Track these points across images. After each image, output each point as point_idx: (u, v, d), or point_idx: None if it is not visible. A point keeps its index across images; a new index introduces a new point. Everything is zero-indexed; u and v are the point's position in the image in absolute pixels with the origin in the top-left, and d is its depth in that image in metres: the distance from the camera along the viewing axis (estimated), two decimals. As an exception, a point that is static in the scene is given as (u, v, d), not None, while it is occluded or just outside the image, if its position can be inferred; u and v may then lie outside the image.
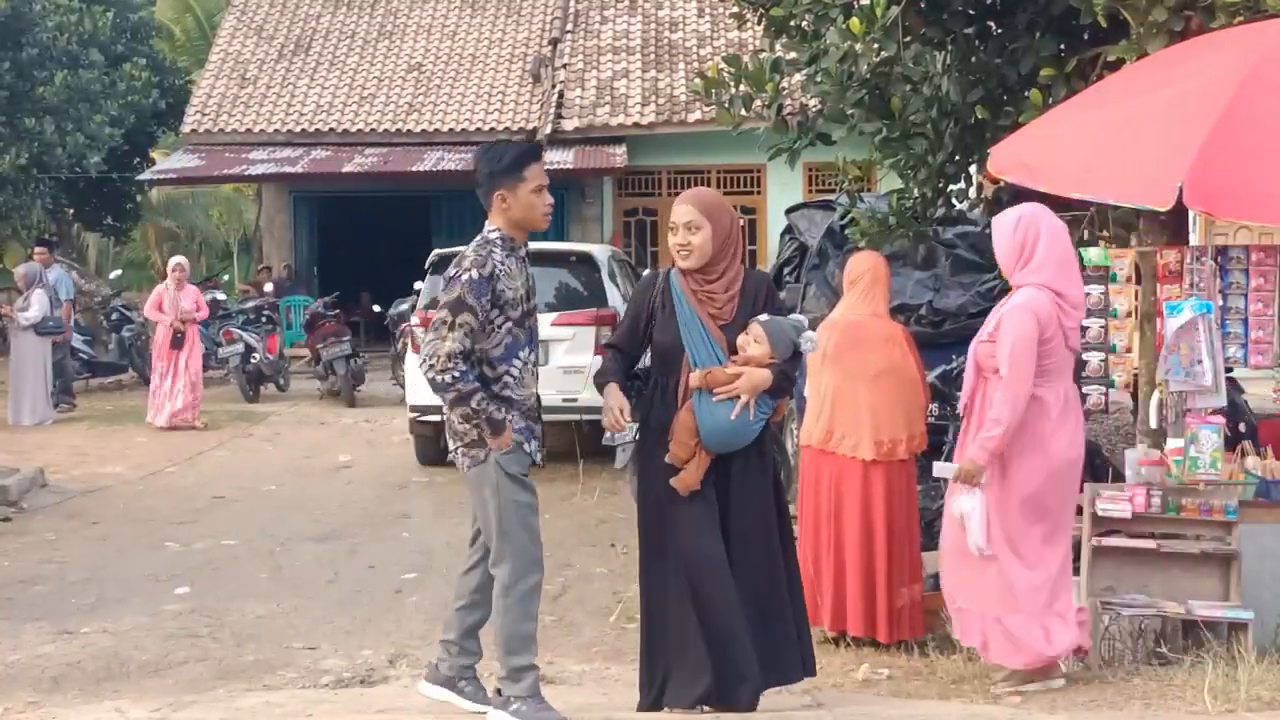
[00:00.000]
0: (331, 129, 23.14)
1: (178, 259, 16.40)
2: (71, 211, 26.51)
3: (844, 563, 6.61)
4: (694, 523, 4.90)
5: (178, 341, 15.04)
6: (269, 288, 21.77)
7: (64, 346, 16.71)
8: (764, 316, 5.03)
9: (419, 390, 12.01)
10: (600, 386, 5.04)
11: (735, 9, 8.54)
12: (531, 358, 4.82)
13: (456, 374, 4.56)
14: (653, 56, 23.85)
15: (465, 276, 4.64)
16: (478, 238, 4.83)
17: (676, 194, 5.22)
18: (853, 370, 6.66)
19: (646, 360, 5.20)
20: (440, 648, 4.99)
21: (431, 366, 4.60)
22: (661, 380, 5.02)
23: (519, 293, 4.74)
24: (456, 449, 4.74)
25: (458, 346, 4.57)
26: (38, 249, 17.50)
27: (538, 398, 4.86)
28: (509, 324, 4.71)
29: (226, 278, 32.49)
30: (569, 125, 22.32)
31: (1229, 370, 6.33)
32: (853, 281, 6.92)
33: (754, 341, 4.95)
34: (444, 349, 4.57)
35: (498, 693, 4.83)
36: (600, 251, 12.92)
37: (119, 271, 26.71)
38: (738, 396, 4.87)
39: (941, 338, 10.62)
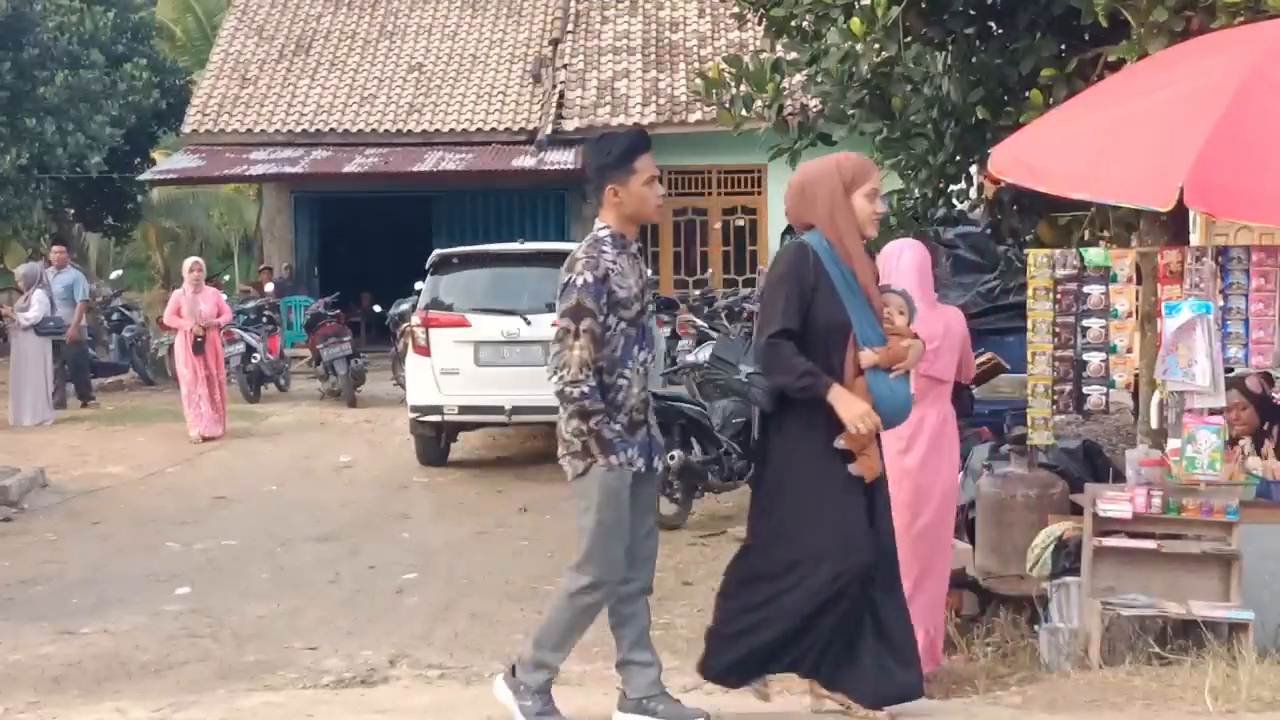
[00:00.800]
0: (332, 129, 23.15)
1: (194, 259, 15.73)
2: (72, 212, 26.52)
3: None
4: (863, 511, 4.69)
5: (199, 347, 14.22)
6: (270, 288, 21.78)
7: (80, 345, 16.73)
8: (893, 285, 4.93)
9: (419, 391, 12.02)
10: (810, 389, 4.61)
11: (736, 9, 8.54)
12: (643, 356, 4.70)
13: (587, 388, 4.52)
14: (653, 57, 23.86)
15: (580, 281, 4.56)
16: (588, 237, 4.73)
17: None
18: None
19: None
20: (618, 674, 4.89)
21: (562, 378, 4.54)
22: (823, 362, 4.64)
23: (631, 291, 4.64)
24: (563, 456, 4.68)
25: (588, 355, 4.51)
26: (55, 248, 17.53)
27: (646, 399, 4.74)
28: (622, 324, 4.63)
29: (227, 278, 32.51)
30: (569, 126, 22.32)
31: (1229, 371, 6.33)
32: None
33: (898, 312, 4.83)
34: (576, 358, 4.51)
35: (512, 670, 4.82)
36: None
37: (119, 272, 26.73)
38: (906, 372, 4.72)
39: (942, 338, 10.61)
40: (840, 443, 4.64)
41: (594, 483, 4.59)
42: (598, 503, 4.59)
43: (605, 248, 4.64)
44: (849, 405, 4.57)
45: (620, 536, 4.65)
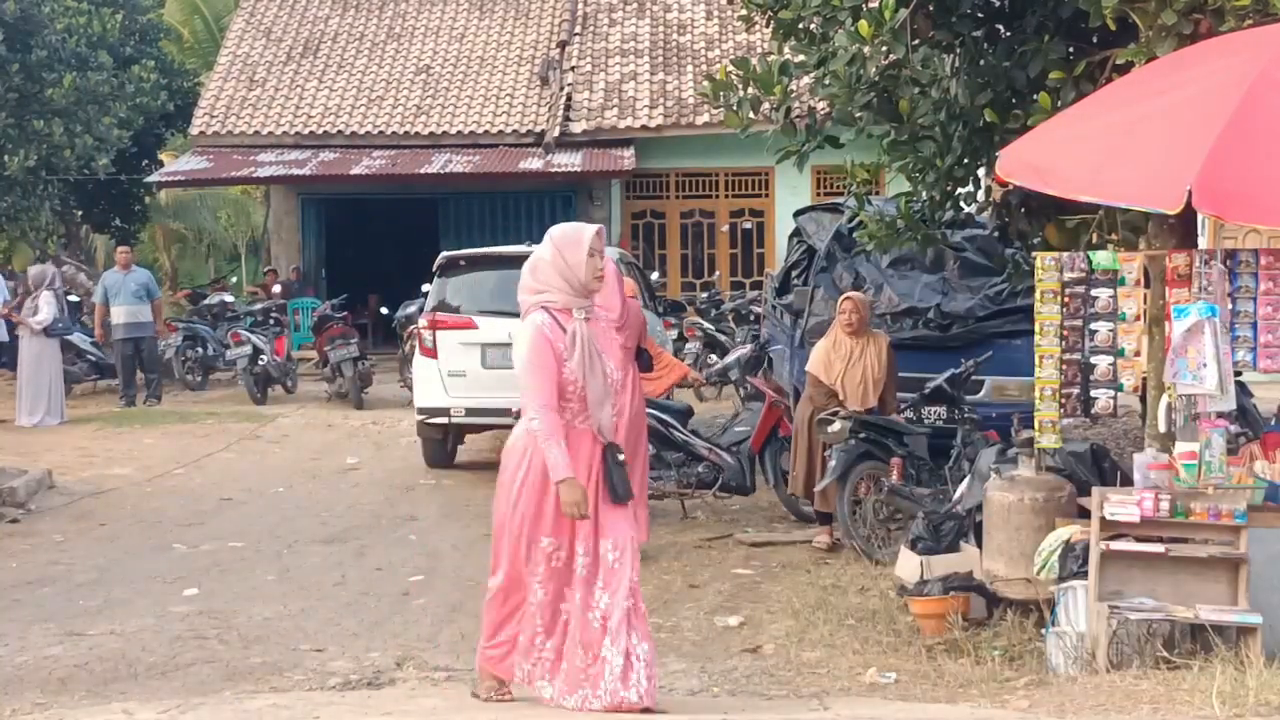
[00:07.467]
0: (340, 131, 23.17)
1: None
2: (80, 213, 26.56)
3: None
4: None
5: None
6: (277, 289, 21.80)
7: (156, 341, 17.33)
8: None
9: (426, 392, 12.01)
10: None
11: (744, 12, 8.53)
12: None
13: None
14: (661, 59, 23.85)
15: None
16: None
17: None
18: None
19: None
20: None
21: None
22: None
23: None
24: None
25: None
26: (120, 249, 17.99)
27: None
28: None
29: (235, 280, 32.54)
30: (577, 128, 22.32)
31: (1238, 374, 6.32)
32: None
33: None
34: None
35: None
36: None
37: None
38: None
39: (949, 341, 10.62)
40: None
41: None
42: None
43: None
44: None
45: None
